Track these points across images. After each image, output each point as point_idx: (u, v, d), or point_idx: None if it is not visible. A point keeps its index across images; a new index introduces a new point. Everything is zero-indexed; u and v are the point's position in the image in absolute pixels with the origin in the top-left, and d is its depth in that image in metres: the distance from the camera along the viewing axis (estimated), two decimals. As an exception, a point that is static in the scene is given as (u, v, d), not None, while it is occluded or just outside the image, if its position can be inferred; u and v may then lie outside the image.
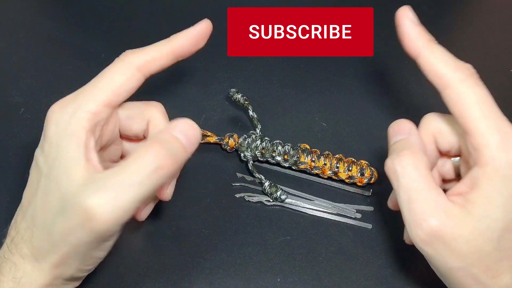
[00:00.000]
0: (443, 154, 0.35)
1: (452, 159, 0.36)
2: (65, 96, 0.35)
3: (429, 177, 0.31)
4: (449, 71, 0.31)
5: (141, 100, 0.36)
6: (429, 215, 0.29)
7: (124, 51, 0.34)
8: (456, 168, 0.36)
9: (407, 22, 0.34)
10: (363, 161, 0.43)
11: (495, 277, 0.30)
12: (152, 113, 0.35)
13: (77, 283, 0.35)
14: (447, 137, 0.33)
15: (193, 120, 0.33)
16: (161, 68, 0.35)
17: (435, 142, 0.34)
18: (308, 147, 0.44)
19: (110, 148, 0.36)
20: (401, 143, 0.32)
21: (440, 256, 0.30)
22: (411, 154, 0.31)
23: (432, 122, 0.34)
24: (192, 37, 0.35)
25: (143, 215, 0.38)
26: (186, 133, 0.32)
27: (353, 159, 0.43)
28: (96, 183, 0.29)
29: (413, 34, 0.33)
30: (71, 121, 0.31)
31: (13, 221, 0.34)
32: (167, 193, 0.36)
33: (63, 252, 0.30)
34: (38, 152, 0.33)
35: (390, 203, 0.38)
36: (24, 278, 0.31)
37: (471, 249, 0.29)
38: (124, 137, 0.37)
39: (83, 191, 0.29)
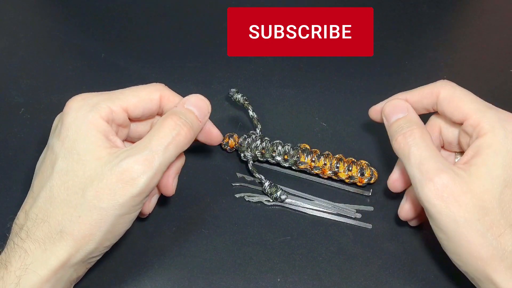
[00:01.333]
0: (446, 148, 0.39)
1: (456, 160, 0.39)
2: (65, 95, 0.35)
3: (435, 148, 0.34)
4: (431, 88, 0.37)
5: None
6: (440, 171, 0.33)
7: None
8: None
9: (377, 107, 0.40)
10: (363, 161, 0.43)
11: (500, 235, 0.32)
12: (161, 90, 0.38)
13: (84, 271, 0.35)
14: (451, 127, 0.38)
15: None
16: None
17: (440, 131, 0.39)
18: (308, 147, 0.44)
19: None
20: (404, 120, 0.36)
21: (448, 210, 0.32)
22: (419, 128, 0.35)
23: (440, 116, 0.38)
24: (205, 127, 0.39)
25: (148, 209, 0.39)
26: (197, 105, 0.37)
27: (353, 159, 0.43)
28: (126, 152, 0.33)
29: (390, 101, 0.38)
30: (92, 110, 0.34)
31: (20, 211, 0.34)
32: (172, 187, 0.38)
33: (90, 221, 0.32)
34: (53, 140, 0.34)
35: (392, 178, 0.39)
36: (33, 264, 0.31)
37: (478, 203, 0.32)
38: (127, 140, 0.39)
39: (115, 159, 0.33)
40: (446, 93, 0.36)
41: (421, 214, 0.39)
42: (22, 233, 0.32)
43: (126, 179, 0.32)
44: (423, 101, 0.37)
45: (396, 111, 0.37)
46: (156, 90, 0.37)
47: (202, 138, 0.39)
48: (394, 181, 0.39)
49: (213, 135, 0.40)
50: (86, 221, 0.32)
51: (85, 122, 0.34)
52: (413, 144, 0.34)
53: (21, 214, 0.34)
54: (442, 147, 0.40)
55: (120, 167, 0.32)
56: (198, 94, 0.38)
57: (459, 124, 0.36)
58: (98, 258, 0.35)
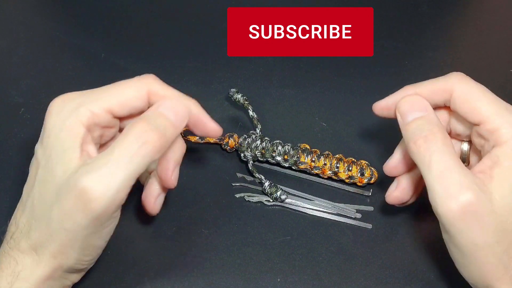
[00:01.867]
0: (452, 137, 0.37)
1: (462, 146, 0.37)
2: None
3: (458, 157, 0.32)
4: (443, 83, 0.34)
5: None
6: (465, 188, 0.30)
7: (149, 73, 0.35)
8: (462, 155, 0.37)
9: (382, 102, 0.37)
10: (363, 161, 0.43)
11: None
12: (148, 84, 0.34)
13: (78, 277, 0.35)
14: (463, 124, 0.35)
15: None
16: None
17: (448, 121, 0.36)
18: (308, 147, 0.44)
19: (109, 143, 0.37)
20: (424, 120, 0.33)
21: (469, 231, 0.30)
22: (441, 133, 0.32)
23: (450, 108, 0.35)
24: (201, 116, 0.35)
25: (156, 208, 0.37)
26: (172, 108, 0.33)
27: (353, 159, 0.43)
28: (87, 166, 0.30)
29: (406, 97, 0.35)
30: (71, 115, 0.32)
31: (13, 217, 0.34)
32: (172, 179, 0.36)
33: (61, 240, 0.30)
34: (38, 146, 0.33)
35: (390, 165, 0.37)
36: (23, 272, 0.31)
37: (500, 225, 0.30)
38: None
39: (75, 174, 0.30)
40: (461, 91, 0.33)
41: (412, 195, 0.38)
42: (12, 241, 0.32)
43: (84, 201, 0.29)
44: (433, 97, 0.34)
45: (414, 109, 0.33)
46: (143, 85, 0.34)
47: (198, 132, 0.36)
48: (392, 168, 0.37)
49: (208, 128, 0.36)
50: (57, 240, 0.30)
51: (63, 129, 0.32)
52: (435, 150, 0.31)
53: (13, 222, 0.33)
54: (450, 133, 0.37)
55: (76, 188, 0.29)
56: (177, 97, 0.34)
57: (474, 124, 0.34)
58: (88, 267, 0.34)
